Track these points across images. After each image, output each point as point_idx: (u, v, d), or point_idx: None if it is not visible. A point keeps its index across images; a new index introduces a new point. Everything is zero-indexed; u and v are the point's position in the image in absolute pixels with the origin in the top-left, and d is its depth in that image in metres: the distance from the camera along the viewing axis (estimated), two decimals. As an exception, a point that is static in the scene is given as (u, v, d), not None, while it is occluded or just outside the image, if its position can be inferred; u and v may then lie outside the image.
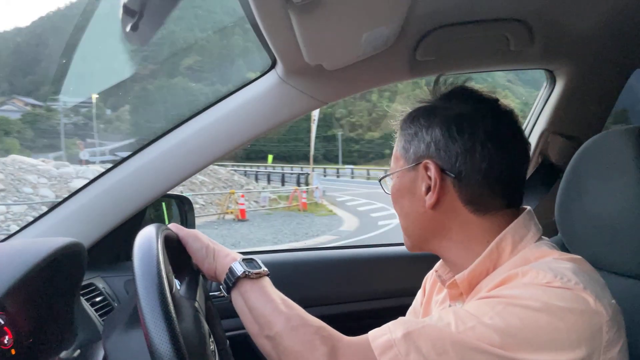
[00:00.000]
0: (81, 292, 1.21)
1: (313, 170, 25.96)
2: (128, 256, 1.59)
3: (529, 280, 0.75)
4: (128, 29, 0.84)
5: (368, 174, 38.49)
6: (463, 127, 0.87)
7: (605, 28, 1.42)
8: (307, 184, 23.79)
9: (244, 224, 14.61)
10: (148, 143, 1.43)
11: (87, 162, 20.08)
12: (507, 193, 0.89)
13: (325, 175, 34.99)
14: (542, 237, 0.90)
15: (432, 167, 0.88)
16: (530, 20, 1.35)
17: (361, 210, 17.76)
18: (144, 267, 0.72)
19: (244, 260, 0.91)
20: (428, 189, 0.89)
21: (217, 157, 1.43)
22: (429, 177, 0.88)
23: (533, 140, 1.78)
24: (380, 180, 1.04)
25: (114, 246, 1.53)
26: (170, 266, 0.83)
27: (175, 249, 0.94)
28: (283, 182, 27.45)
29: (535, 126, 1.80)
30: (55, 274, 1.03)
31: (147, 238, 0.78)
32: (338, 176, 38.12)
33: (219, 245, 0.98)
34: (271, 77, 1.44)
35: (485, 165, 0.86)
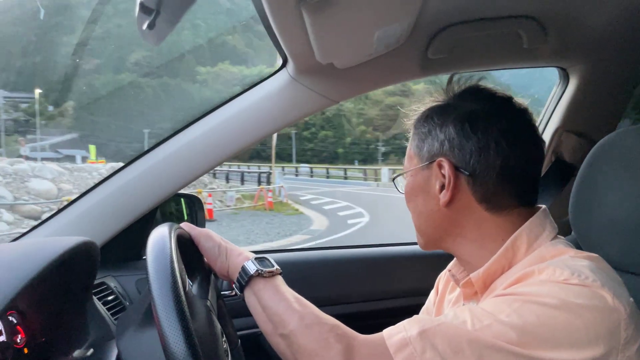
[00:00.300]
0: (93, 291, 1.21)
1: (271, 169, 25.57)
2: (139, 255, 1.60)
3: (546, 278, 0.75)
4: (144, 27, 0.84)
5: (327, 172, 38.07)
6: (477, 124, 0.87)
7: (620, 25, 1.40)
8: (268, 182, 23.48)
9: (212, 224, 14.25)
10: (159, 142, 1.43)
11: (28, 158, 19.42)
12: (522, 191, 0.88)
13: (284, 174, 34.41)
14: (558, 235, 0.89)
15: (446, 164, 0.88)
16: (543, 17, 1.34)
17: (327, 209, 17.71)
18: (158, 266, 0.72)
19: (256, 259, 0.91)
20: (442, 187, 0.89)
21: (227, 156, 1.43)
22: (443, 175, 0.88)
23: (546, 138, 1.76)
24: (393, 180, 1.04)
25: (125, 245, 1.54)
26: (183, 265, 0.83)
27: (188, 248, 0.94)
28: (243, 181, 26.93)
29: (548, 124, 1.78)
30: (67, 273, 1.03)
31: (160, 237, 0.78)
32: (297, 175, 37.59)
33: (231, 244, 0.98)
34: (282, 76, 1.44)
35: (499, 162, 0.85)
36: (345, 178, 34.23)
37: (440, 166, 0.89)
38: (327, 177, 36.18)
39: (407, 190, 0.97)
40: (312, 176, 37.25)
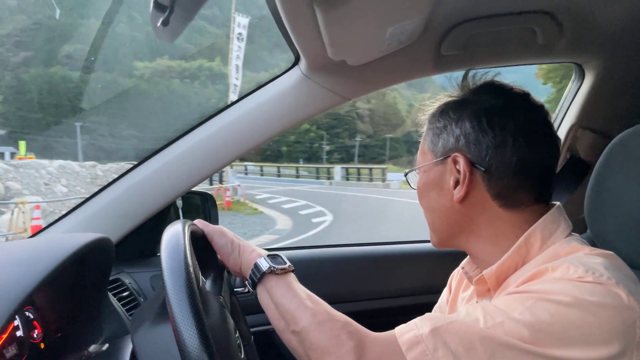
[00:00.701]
0: (108, 287, 1.23)
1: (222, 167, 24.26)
2: (153, 252, 1.61)
3: (560, 275, 0.74)
4: (158, 24, 0.84)
5: (278, 171, 36.94)
6: (494, 120, 0.86)
7: (636, 20, 1.38)
8: (221, 181, 21.90)
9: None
10: (173, 140, 1.44)
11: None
12: (537, 188, 0.88)
13: (237, 173, 32.52)
14: (572, 233, 0.88)
15: (461, 160, 0.87)
16: (558, 12, 1.32)
17: (286, 208, 17.34)
18: (172, 262, 0.72)
19: (268, 256, 0.92)
20: (456, 183, 0.88)
21: (240, 153, 1.43)
22: (458, 171, 0.88)
23: (561, 135, 1.75)
24: (406, 175, 1.04)
25: (140, 242, 1.55)
26: (197, 261, 0.83)
27: (201, 245, 0.95)
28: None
29: (563, 121, 1.76)
30: (83, 269, 1.04)
31: (174, 234, 0.79)
32: (246, 173, 36.02)
33: (244, 241, 0.98)
34: (294, 74, 1.44)
35: (515, 159, 0.85)
36: (297, 177, 33.56)
37: (455, 161, 0.88)
38: (278, 175, 35.47)
39: (420, 185, 0.96)
40: (262, 174, 36.14)
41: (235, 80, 17.17)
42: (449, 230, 0.94)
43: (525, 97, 0.91)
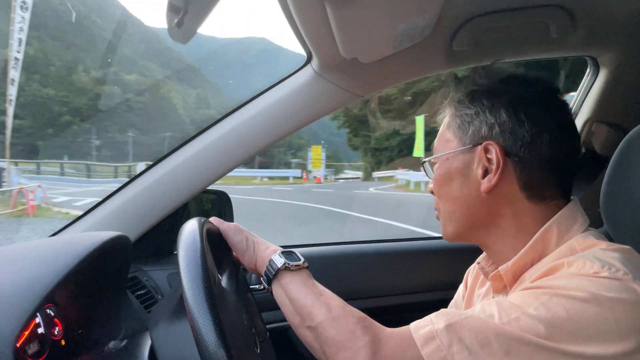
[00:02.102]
0: (126, 285, 1.25)
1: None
2: (170, 250, 1.63)
3: (575, 271, 0.73)
4: (173, 25, 0.85)
5: (62, 168, 30.75)
6: (533, 110, 0.85)
7: None
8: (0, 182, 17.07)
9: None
10: (188, 140, 1.46)
11: None
12: (564, 182, 0.88)
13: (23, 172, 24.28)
14: (590, 227, 0.87)
15: (493, 148, 0.86)
16: (571, 5, 1.31)
17: None
18: (189, 260, 0.74)
19: (283, 252, 0.92)
20: (485, 172, 0.87)
21: (255, 151, 1.44)
22: (488, 159, 0.87)
23: (576, 129, 1.73)
24: (423, 163, 1.02)
25: (156, 240, 1.57)
26: (212, 259, 0.85)
27: (217, 242, 0.96)
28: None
29: (578, 115, 1.75)
30: (102, 267, 1.06)
31: (190, 232, 0.80)
32: (39, 173, 27.94)
33: (258, 238, 0.99)
34: (307, 72, 1.44)
35: (549, 151, 0.84)
36: (89, 176, 28.66)
37: (486, 150, 0.87)
38: (62, 174, 29.17)
39: (441, 174, 0.94)
40: (39, 173, 27.82)
41: (17, 54, 14.35)
42: (469, 222, 0.92)
43: (556, 91, 0.90)
